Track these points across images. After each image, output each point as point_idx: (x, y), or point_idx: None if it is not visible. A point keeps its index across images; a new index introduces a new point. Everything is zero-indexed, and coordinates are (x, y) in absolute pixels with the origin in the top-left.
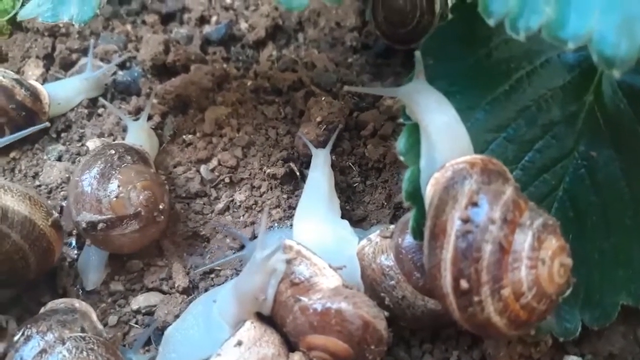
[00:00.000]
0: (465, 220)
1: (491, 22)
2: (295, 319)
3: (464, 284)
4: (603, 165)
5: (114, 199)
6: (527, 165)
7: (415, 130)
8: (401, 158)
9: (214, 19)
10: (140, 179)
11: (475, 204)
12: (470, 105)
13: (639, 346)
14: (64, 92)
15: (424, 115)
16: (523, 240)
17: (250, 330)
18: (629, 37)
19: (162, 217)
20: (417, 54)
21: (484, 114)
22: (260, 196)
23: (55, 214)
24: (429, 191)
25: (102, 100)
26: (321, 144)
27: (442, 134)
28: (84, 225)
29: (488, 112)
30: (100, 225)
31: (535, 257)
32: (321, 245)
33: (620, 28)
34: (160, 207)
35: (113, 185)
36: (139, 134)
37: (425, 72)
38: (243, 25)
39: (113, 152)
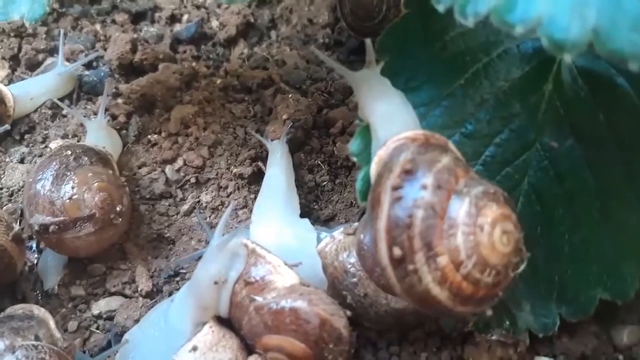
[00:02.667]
0: (397, 188)
1: (440, 7)
2: (251, 319)
3: (396, 251)
4: (566, 156)
5: (67, 200)
6: (488, 160)
7: (368, 131)
8: (354, 159)
9: (185, 17)
10: (96, 180)
11: (408, 172)
12: (427, 101)
13: (612, 346)
14: (37, 88)
15: (367, 104)
16: (459, 207)
17: (208, 335)
18: (580, 20)
19: (120, 219)
20: (367, 41)
21: (441, 110)
22: (227, 196)
23: (17, 228)
24: (373, 169)
25: (58, 102)
26: (288, 142)
27: (382, 122)
28: (36, 227)
29: (445, 107)
30: (52, 228)
31: (473, 224)
32: (279, 245)
33: (571, 11)
34: (118, 209)
35: (67, 187)
36: (98, 133)
37: (383, 69)
38: (214, 24)
39: (69, 152)
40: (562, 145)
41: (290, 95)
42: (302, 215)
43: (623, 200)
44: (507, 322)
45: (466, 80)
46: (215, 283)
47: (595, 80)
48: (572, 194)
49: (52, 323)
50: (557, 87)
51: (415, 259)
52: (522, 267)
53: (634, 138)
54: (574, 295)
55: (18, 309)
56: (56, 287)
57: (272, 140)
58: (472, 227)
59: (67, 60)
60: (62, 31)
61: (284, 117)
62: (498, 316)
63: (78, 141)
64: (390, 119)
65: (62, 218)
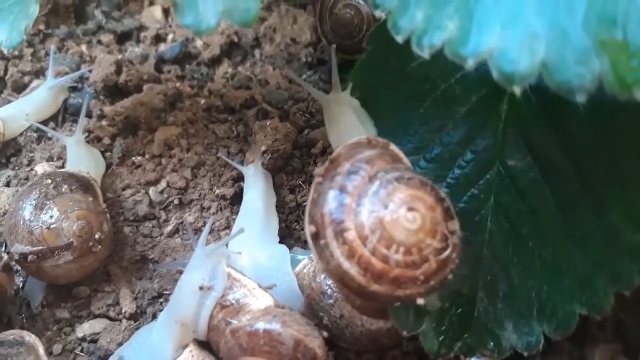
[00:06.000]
0: (320, 175)
1: (399, 38)
2: (227, 342)
3: (312, 228)
4: (525, 173)
5: (46, 229)
6: (451, 182)
7: None
8: None
9: (170, 37)
10: (75, 209)
11: (331, 161)
12: (389, 132)
13: None
14: (31, 104)
15: (328, 125)
16: (368, 189)
17: (188, 359)
18: (530, 53)
19: (100, 246)
20: (332, 63)
21: (406, 139)
22: (210, 217)
23: (5, 257)
24: None
25: (35, 124)
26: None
27: (338, 140)
28: (16, 257)
29: (410, 135)
30: (31, 257)
31: (378, 202)
32: (254, 267)
33: (521, 44)
34: (97, 236)
35: (46, 216)
36: (77, 149)
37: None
38: (199, 43)
39: (50, 181)
40: (520, 163)
41: (268, 123)
42: (283, 236)
43: (581, 214)
44: (492, 343)
45: (425, 109)
46: (201, 289)
47: (547, 96)
48: (535, 210)
49: (41, 350)
50: (512, 107)
51: (325, 234)
52: (446, 253)
53: (583, 151)
54: (552, 311)
55: (9, 334)
56: (40, 307)
57: (246, 165)
58: (377, 205)
59: None
60: (52, 47)
61: (262, 148)
62: (481, 337)
63: (63, 164)
64: (343, 136)
65: (40, 247)
